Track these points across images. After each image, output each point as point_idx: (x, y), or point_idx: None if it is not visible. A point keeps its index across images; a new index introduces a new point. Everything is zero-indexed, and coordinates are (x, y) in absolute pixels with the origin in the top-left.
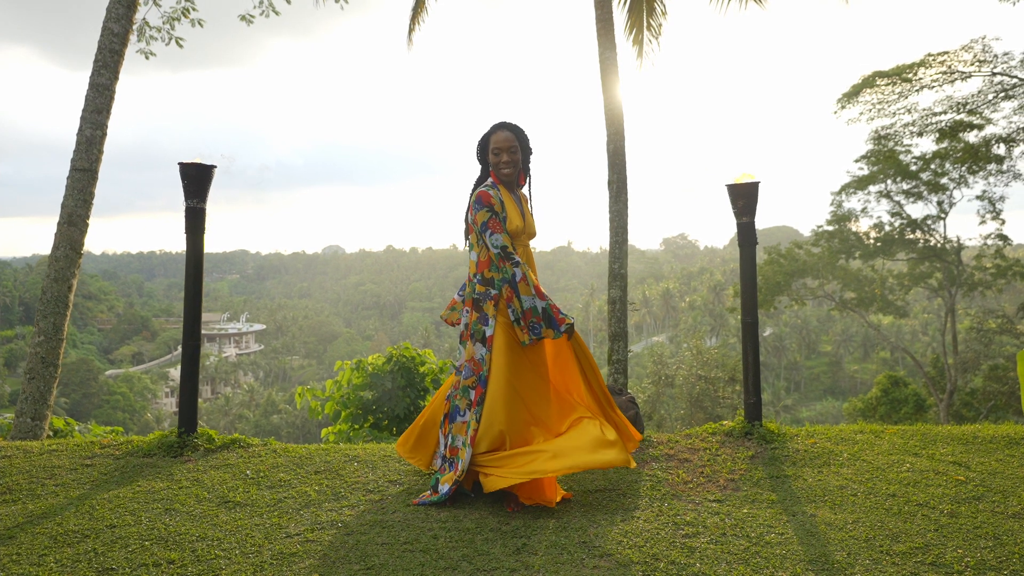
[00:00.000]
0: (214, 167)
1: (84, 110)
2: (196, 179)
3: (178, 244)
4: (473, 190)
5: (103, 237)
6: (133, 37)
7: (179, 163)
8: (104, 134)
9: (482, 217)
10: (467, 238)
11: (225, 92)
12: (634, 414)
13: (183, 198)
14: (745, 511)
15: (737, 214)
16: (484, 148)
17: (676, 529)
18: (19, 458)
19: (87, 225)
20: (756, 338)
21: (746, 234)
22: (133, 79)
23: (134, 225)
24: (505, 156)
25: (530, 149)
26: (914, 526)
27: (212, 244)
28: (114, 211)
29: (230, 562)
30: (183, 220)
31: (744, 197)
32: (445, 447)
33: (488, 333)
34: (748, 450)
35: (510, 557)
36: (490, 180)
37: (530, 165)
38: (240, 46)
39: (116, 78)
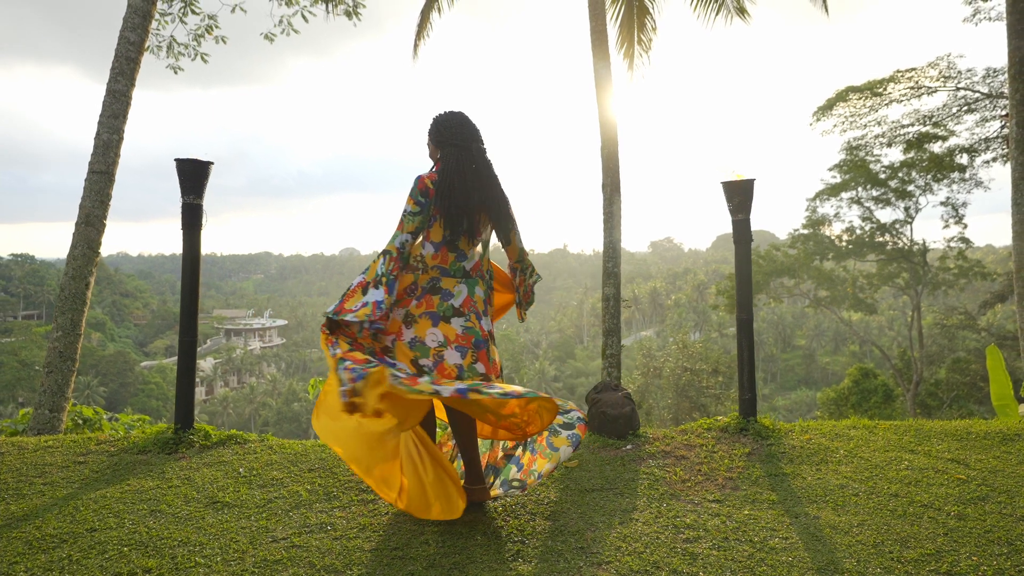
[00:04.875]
0: (211, 163)
1: (101, 115)
2: (193, 175)
3: (205, 246)
4: (497, 180)
5: (139, 240)
6: (162, 53)
7: (175, 159)
8: (120, 138)
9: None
10: (484, 235)
11: (251, 107)
12: (630, 410)
13: (180, 194)
14: (746, 512)
15: (732, 211)
16: None
17: (676, 533)
18: (12, 455)
19: (104, 225)
20: (751, 334)
21: (741, 231)
22: (166, 95)
23: (167, 229)
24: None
25: (433, 136)
26: (922, 530)
27: (238, 246)
28: (149, 216)
29: (210, 571)
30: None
31: (739, 195)
32: None
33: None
34: (744, 447)
35: (504, 565)
36: None
37: (438, 152)
38: (264, 65)
39: (132, 85)
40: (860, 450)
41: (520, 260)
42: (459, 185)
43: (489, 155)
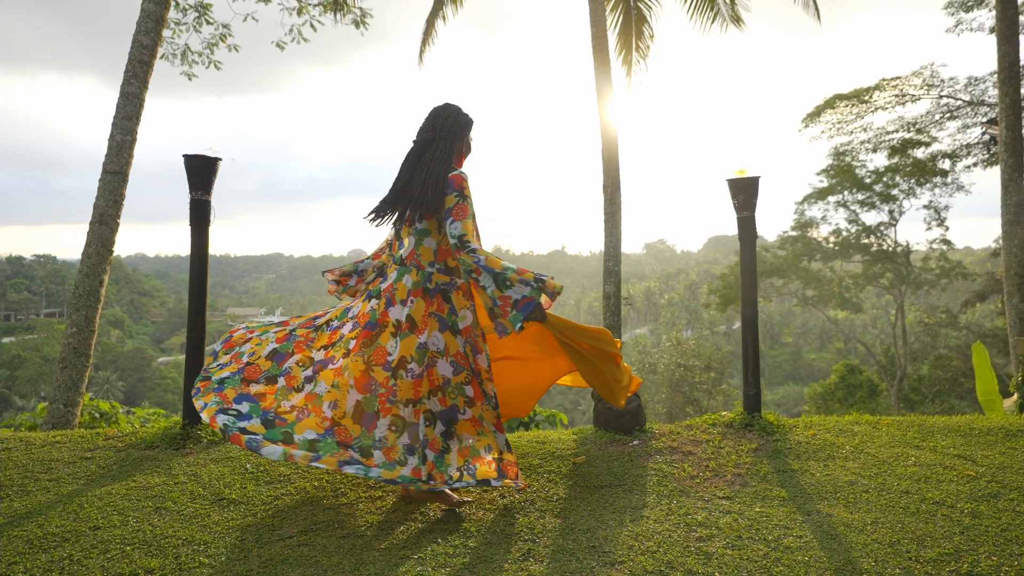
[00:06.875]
0: (219, 159)
1: (115, 117)
2: (201, 171)
3: (219, 247)
4: (433, 166)
5: (156, 241)
6: (177, 60)
7: (183, 155)
8: (134, 139)
9: (452, 201)
10: (420, 222)
11: (264, 114)
12: (636, 406)
13: (188, 191)
14: (757, 510)
15: (737, 208)
16: (467, 132)
17: (689, 531)
18: (19, 451)
19: (117, 224)
20: (755, 330)
21: (746, 228)
22: (183, 102)
23: (184, 231)
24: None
25: None
26: (937, 528)
27: (251, 247)
28: (166, 218)
29: (214, 570)
30: (188, 213)
31: (744, 192)
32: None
33: (464, 325)
34: (751, 442)
35: (515, 564)
36: (461, 168)
37: None
38: (276, 73)
39: (145, 87)
40: (866, 446)
41: (455, 258)
42: (397, 177)
43: (440, 142)
